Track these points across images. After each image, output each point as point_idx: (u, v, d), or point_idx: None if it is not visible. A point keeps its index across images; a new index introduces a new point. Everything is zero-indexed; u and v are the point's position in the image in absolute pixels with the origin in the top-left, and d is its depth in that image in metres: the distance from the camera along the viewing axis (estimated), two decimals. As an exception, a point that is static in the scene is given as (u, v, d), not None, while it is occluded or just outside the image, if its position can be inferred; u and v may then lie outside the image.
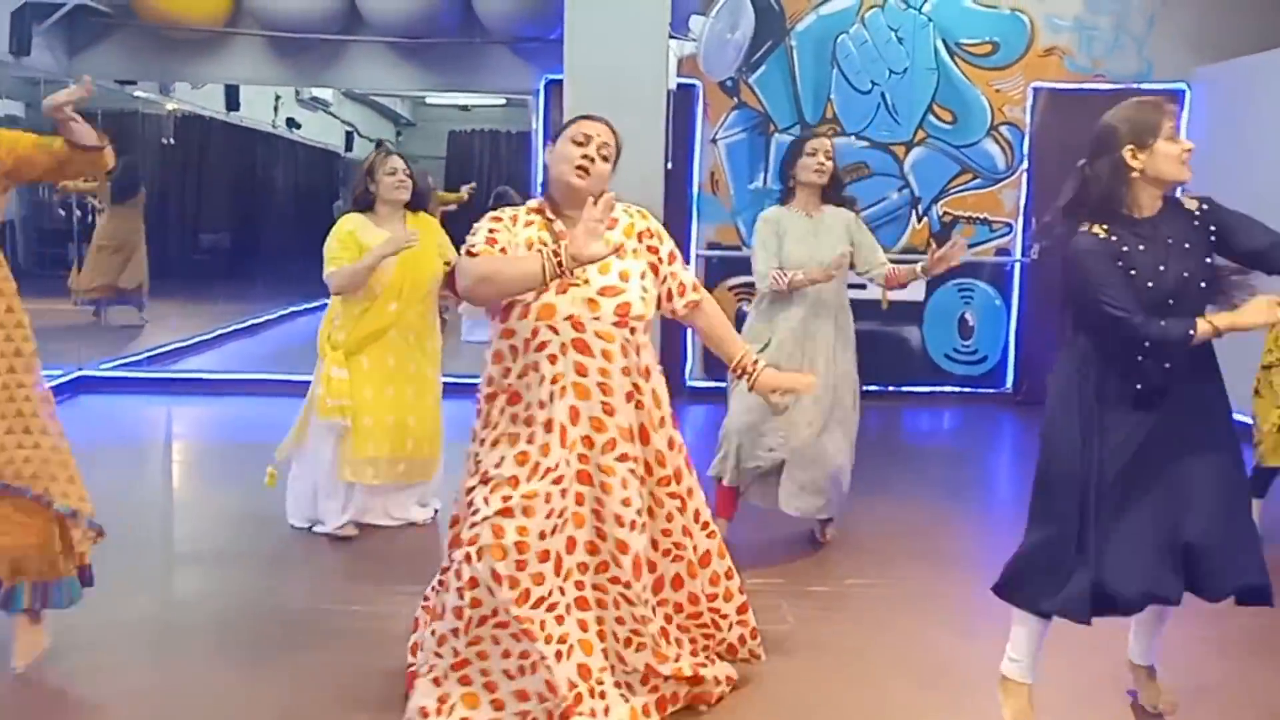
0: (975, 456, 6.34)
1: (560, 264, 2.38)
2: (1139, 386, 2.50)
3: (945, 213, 7.29)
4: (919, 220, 7.28)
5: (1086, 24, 7.25)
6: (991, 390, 7.36)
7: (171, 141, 7.85)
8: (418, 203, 4.19)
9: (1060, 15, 7.23)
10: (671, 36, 5.60)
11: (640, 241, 2.68)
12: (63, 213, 7.58)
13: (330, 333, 4.10)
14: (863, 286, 4.16)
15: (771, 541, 4.17)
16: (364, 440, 4.03)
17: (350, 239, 3.99)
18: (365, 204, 4.11)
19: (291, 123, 10.81)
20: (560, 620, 2.51)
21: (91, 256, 7.39)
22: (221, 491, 4.89)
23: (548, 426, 2.50)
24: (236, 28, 6.55)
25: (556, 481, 2.49)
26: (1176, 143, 2.50)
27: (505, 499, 2.45)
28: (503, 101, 11.98)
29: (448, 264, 4.12)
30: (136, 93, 7.42)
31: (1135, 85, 7.18)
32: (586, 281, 2.54)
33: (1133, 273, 2.46)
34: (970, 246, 7.30)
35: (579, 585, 2.57)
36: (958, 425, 7.08)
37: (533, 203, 2.69)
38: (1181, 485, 2.50)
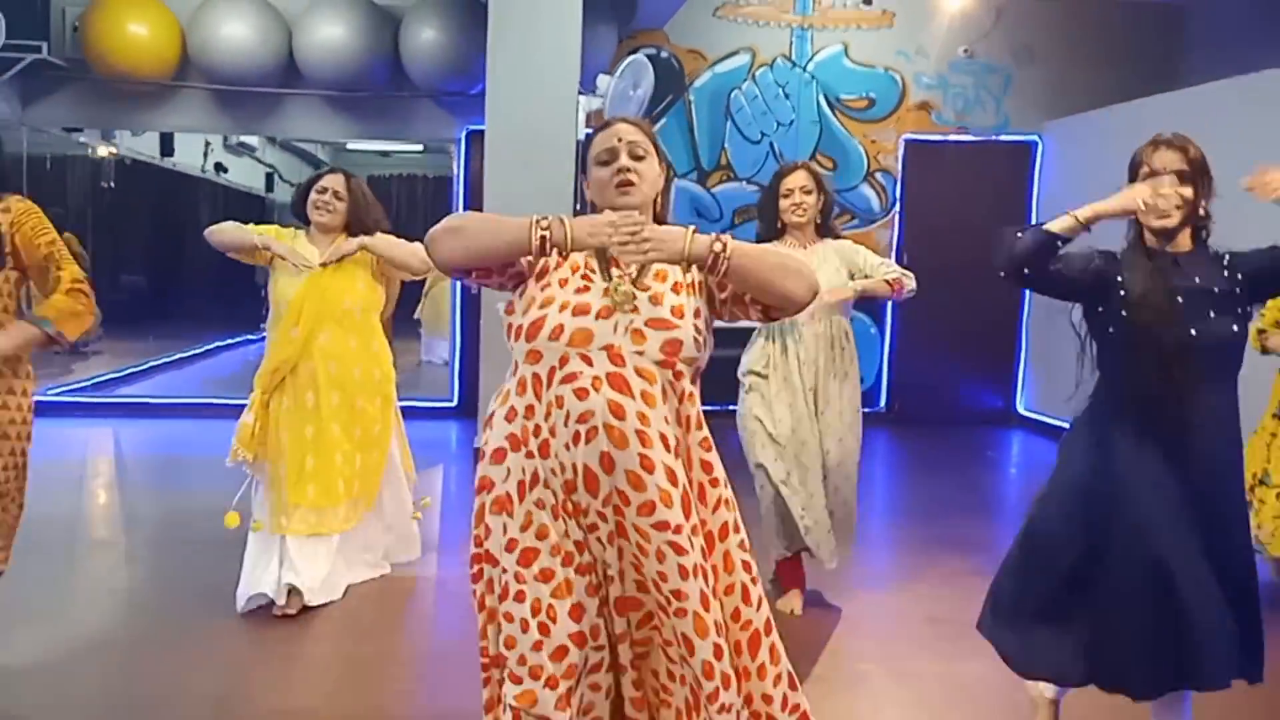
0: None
1: (548, 238, 2.03)
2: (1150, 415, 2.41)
3: (829, 249, 8.14)
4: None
5: (951, 82, 8.18)
6: (866, 410, 8.06)
7: (112, 185, 8.27)
8: (362, 230, 3.83)
9: (928, 74, 8.16)
10: (580, 93, 6.32)
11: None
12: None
13: (260, 368, 3.85)
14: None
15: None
16: (282, 488, 3.73)
17: (268, 230, 3.85)
18: (302, 219, 3.88)
19: (220, 167, 11.28)
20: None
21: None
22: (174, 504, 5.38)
23: (573, 471, 2.07)
24: (182, 80, 7.09)
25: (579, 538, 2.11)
26: (1147, 184, 2.44)
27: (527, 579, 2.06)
28: (420, 148, 12.53)
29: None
30: (80, 139, 7.87)
31: (993, 137, 8.15)
32: (635, 310, 2.11)
33: (1121, 291, 2.44)
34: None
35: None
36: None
37: None
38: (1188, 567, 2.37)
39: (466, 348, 7.59)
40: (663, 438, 2.06)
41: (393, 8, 7.18)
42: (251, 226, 3.82)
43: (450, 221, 2.11)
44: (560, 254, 2.08)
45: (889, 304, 8.14)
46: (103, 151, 8.45)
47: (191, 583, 4.06)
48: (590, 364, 2.05)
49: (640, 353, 2.07)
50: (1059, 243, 2.40)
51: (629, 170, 2.15)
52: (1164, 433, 2.38)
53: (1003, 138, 8.16)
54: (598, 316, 2.07)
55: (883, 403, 8.23)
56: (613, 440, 2.03)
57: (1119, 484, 2.41)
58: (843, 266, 3.83)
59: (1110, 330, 2.46)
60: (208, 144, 10.61)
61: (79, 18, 6.85)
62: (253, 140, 11.58)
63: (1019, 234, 2.42)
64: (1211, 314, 2.38)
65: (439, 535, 4.86)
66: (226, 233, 3.73)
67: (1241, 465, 2.56)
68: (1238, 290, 2.42)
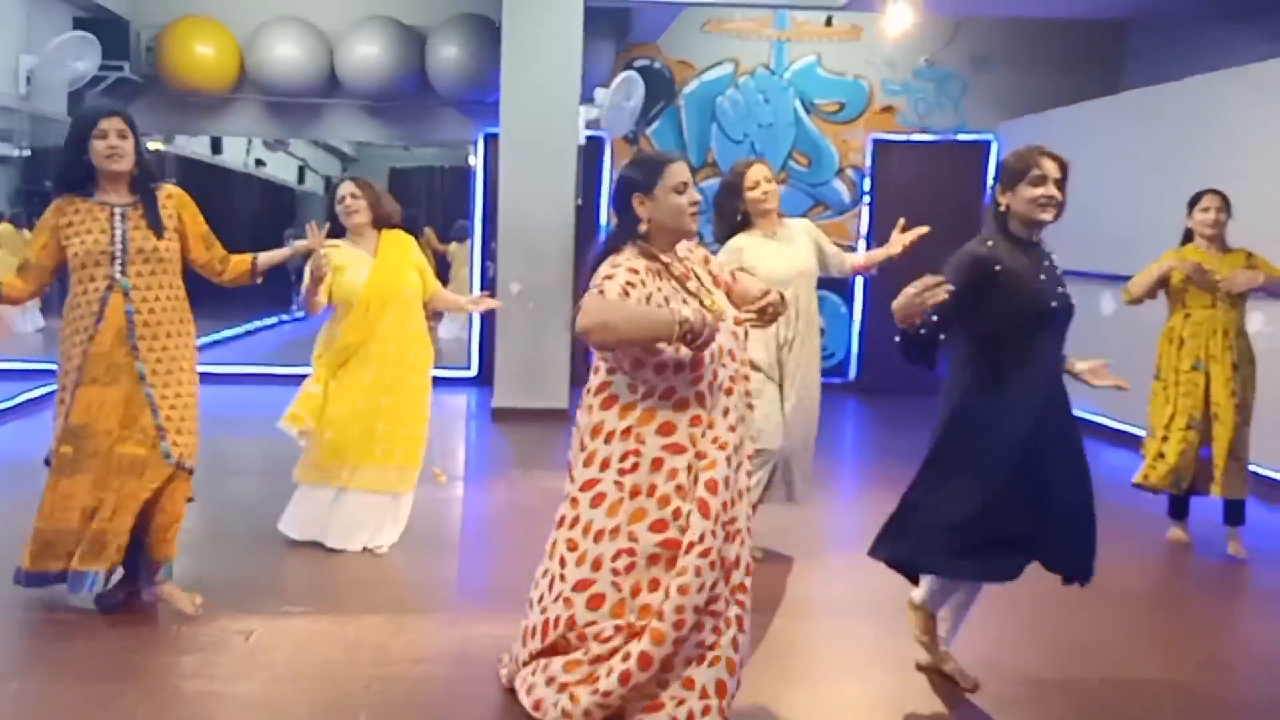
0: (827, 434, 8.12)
1: (689, 328, 2.49)
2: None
3: (804, 237, 9.17)
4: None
5: (914, 88, 9.16)
6: (839, 381, 9.06)
7: (173, 180, 9.35)
8: (384, 221, 4.35)
9: (893, 81, 9.15)
10: (581, 103, 7.35)
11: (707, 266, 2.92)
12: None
13: (319, 349, 4.34)
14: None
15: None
16: (321, 452, 4.26)
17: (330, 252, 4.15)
18: (338, 233, 4.30)
19: (259, 162, 12.38)
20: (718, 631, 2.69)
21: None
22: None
23: (718, 444, 2.68)
24: (241, 92, 8.21)
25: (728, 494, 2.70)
26: (1036, 187, 2.96)
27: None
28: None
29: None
30: (148, 142, 8.99)
31: (952, 136, 9.12)
32: (723, 318, 2.75)
33: (998, 277, 2.92)
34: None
35: (740, 604, 2.75)
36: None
37: (632, 249, 2.75)
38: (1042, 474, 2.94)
39: (485, 325, 8.64)
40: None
41: (419, 29, 8.26)
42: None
43: (601, 318, 2.54)
44: (694, 346, 2.52)
45: (855, 286, 9.17)
46: (153, 146, 9.56)
47: (245, 503, 5.17)
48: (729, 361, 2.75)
49: (738, 340, 2.81)
50: (917, 336, 2.88)
51: (699, 202, 2.77)
52: (1025, 375, 2.94)
53: (960, 137, 9.10)
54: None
55: (853, 374, 9.26)
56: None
57: (991, 420, 2.95)
58: (810, 242, 4.22)
59: (990, 305, 2.90)
60: (249, 141, 11.71)
61: (153, 40, 7.97)
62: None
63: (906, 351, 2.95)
64: (1060, 289, 2.98)
65: (464, 469, 6.00)
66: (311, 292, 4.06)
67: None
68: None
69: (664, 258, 2.75)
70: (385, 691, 3.11)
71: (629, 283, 2.64)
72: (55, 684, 3.11)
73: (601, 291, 2.60)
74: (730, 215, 4.16)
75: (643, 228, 2.74)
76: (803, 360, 4.19)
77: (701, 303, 2.69)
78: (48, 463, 3.49)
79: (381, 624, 3.59)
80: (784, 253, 4.14)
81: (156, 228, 3.47)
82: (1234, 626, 4.11)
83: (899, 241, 4.18)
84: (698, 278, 2.80)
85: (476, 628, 3.59)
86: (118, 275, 3.42)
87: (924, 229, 4.17)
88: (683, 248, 2.83)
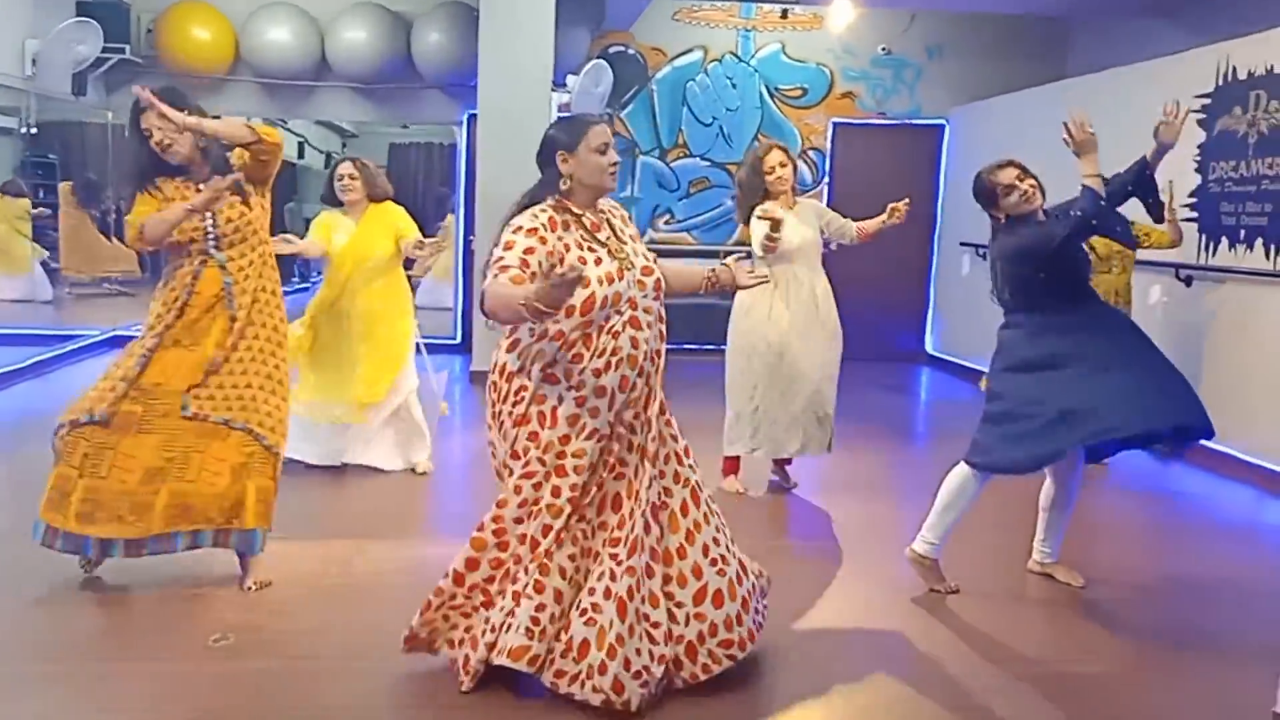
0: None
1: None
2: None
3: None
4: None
5: (872, 75, 9.68)
6: None
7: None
8: (377, 195, 4.99)
9: (852, 67, 9.66)
10: (553, 88, 7.85)
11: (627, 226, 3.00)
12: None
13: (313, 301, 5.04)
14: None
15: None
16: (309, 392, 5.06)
17: (320, 226, 5.02)
18: (333, 202, 5.01)
19: (259, 138, 12.89)
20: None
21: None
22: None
23: (599, 393, 2.79)
24: (236, 74, 8.73)
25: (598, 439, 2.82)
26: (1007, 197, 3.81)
27: (559, 456, 2.79)
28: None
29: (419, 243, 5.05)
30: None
31: (907, 120, 9.66)
32: (632, 266, 2.86)
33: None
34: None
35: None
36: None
37: (550, 202, 2.84)
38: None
39: (469, 297, 9.17)
40: None
41: (405, 14, 8.75)
42: (311, 233, 5.04)
43: (490, 305, 2.60)
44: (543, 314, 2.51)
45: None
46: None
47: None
48: (621, 314, 2.88)
49: (644, 296, 2.93)
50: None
51: (619, 164, 2.89)
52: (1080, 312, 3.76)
53: (915, 121, 9.63)
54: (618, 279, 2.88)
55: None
56: None
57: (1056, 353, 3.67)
58: (815, 218, 4.77)
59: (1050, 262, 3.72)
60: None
61: (152, 23, 8.48)
62: (286, 114, 13.18)
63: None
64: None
65: (436, 429, 6.57)
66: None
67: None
68: None
69: (576, 210, 2.85)
70: (346, 595, 3.73)
71: (528, 249, 2.72)
72: (96, 591, 3.72)
73: (496, 275, 2.67)
74: (752, 194, 4.71)
75: (564, 184, 2.85)
76: (810, 324, 4.77)
77: (610, 252, 2.84)
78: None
79: (346, 545, 4.20)
80: (796, 227, 4.70)
81: None
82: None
83: (895, 212, 4.78)
84: (612, 229, 2.92)
85: (428, 549, 4.19)
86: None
87: (907, 200, 4.84)
88: (604, 202, 2.96)
